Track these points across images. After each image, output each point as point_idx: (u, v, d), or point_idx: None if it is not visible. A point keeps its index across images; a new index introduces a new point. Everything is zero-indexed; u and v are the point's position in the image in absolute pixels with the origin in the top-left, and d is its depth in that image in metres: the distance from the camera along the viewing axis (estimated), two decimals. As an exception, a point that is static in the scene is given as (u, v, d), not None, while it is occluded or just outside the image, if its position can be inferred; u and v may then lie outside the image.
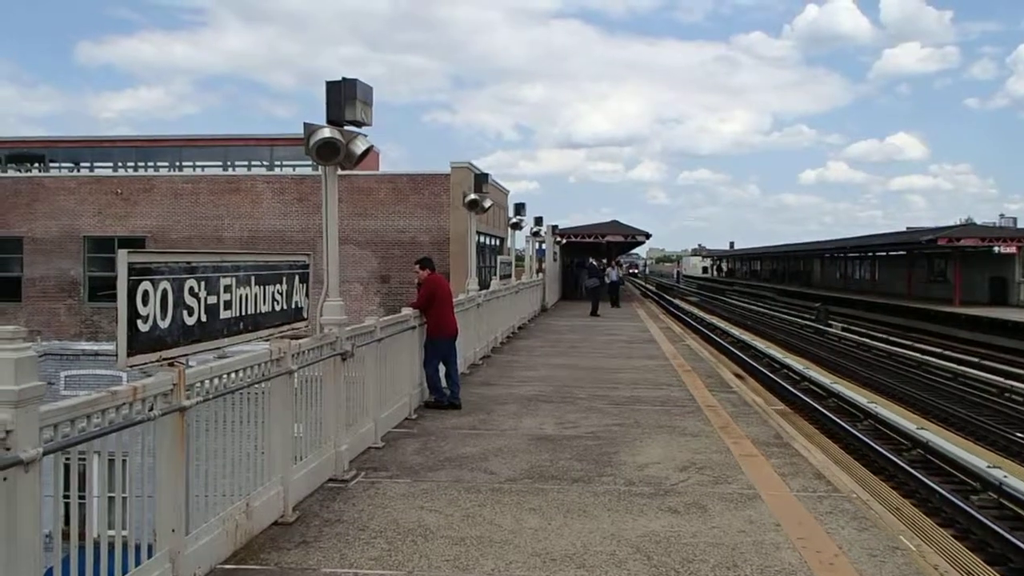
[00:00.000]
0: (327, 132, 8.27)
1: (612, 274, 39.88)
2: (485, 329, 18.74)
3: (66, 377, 26.13)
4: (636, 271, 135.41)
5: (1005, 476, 12.98)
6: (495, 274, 23.98)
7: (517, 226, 29.28)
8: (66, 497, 4.40)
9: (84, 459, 4.49)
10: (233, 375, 6.10)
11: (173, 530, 5.16)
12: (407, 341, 11.45)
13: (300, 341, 7.38)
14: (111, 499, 4.80)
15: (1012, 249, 42.33)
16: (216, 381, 5.85)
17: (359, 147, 8.49)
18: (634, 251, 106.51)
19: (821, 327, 43.06)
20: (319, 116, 8.43)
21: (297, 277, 7.42)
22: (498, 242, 39.88)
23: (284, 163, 42.08)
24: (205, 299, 5.62)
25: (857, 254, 67.51)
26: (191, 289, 5.45)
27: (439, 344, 12.26)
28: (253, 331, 6.50)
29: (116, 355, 4.77)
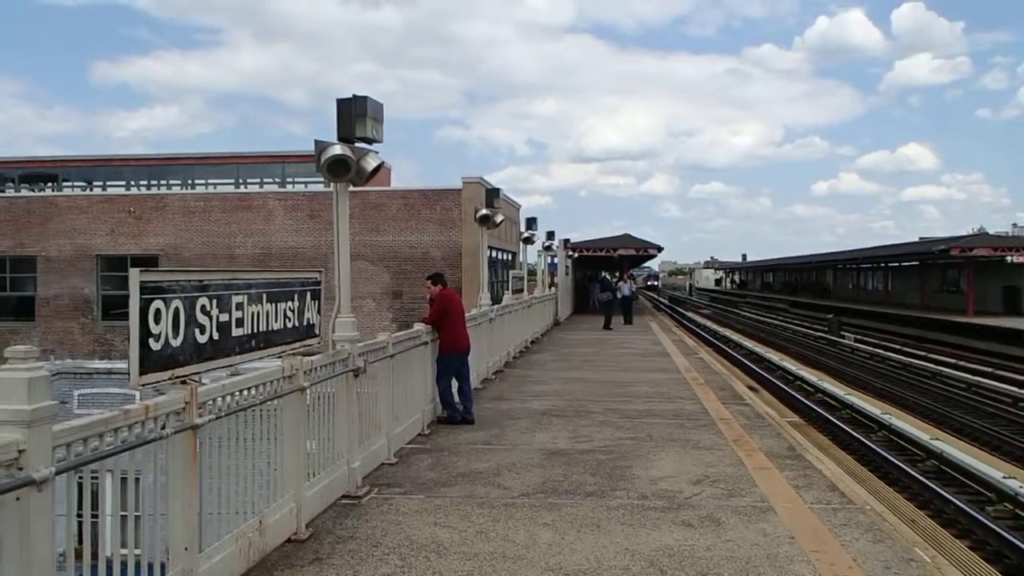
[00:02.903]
0: (338, 149, 8.29)
1: (625, 288, 38.46)
2: (498, 344, 18.75)
3: (79, 396, 26.19)
4: (656, 283, 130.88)
5: (1021, 486, 12.87)
6: (507, 289, 23.95)
7: (529, 240, 29.32)
8: (79, 516, 4.41)
9: (97, 478, 4.51)
10: (245, 392, 6.12)
11: (186, 548, 5.16)
12: (419, 357, 11.46)
13: (312, 358, 7.40)
14: (124, 518, 4.81)
15: (1025, 258, 42.14)
16: (228, 399, 5.87)
17: (370, 164, 8.52)
18: (646, 264, 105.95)
19: (834, 338, 42.90)
20: (333, 133, 8.46)
21: (309, 294, 7.43)
22: (510, 256, 39.90)
23: (296, 180, 42.19)
24: (217, 317, 5.64)
25: (870, 265, 67.27)
26: (203, 307, 5.46)
27: (452, 359, 12.26)
28: (265, 348, 6.51)
29: (128, 374, 4.79)
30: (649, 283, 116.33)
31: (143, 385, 4.85)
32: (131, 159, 47.37)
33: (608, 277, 40.50)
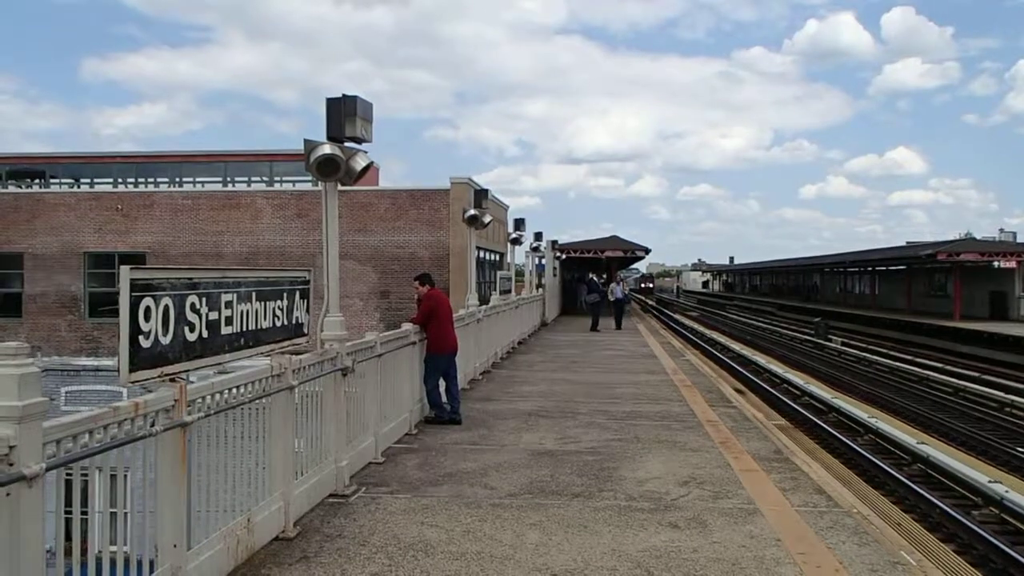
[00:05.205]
0: (327, 149, 8.30)
1: (617, 291, 37.22)
2: (485, 344, 18.75)
3: (67, 393, 26.12)
4: (651, 285, 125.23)
5: (1006, 491, 12.97)
6: (495, 289, 23.93)
7: (517, 241, 29.31)
8: (68, 512, 4.41)
9: (86, 474, 4.50)
10: (234, 391, 6.12)
11: (175, 545, 5.16)
12: (407, 356, 11.46)
13: (301, 357, 7.40)
14: (113, 514, 4.80)
15: (1012, 264, 42.33)
16: (217, 397, 5.86)
17: (359, 163, 8.52)
18: (634, 266, 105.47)
19: (821, 342, 43.05)
20: (322, 132, 8.46)
21: (298, 293, 7.44)
22: (498, 257, 39.88)
23: (284, 179, 42.01)
24: (206, 315, 5.64)
25: (857, 269, 67.52)
26: (192, 305, 5.46)
27: (439, 359, 12.26)
28: (254, 347, 6.50)
29: (117, 371, 4.78)
30: (643, 285, 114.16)
31: (132, 382, 4.84)
32: (119, 156, 46.98)
33: (595, 279, 40.40)
